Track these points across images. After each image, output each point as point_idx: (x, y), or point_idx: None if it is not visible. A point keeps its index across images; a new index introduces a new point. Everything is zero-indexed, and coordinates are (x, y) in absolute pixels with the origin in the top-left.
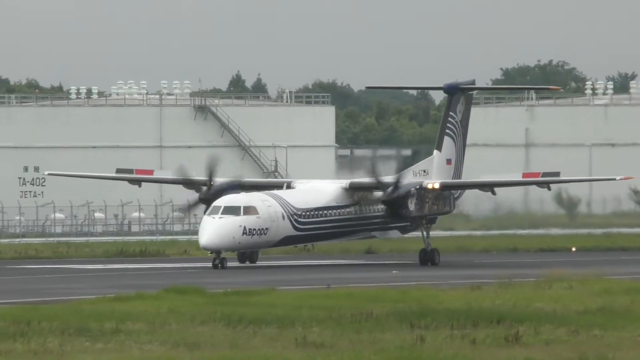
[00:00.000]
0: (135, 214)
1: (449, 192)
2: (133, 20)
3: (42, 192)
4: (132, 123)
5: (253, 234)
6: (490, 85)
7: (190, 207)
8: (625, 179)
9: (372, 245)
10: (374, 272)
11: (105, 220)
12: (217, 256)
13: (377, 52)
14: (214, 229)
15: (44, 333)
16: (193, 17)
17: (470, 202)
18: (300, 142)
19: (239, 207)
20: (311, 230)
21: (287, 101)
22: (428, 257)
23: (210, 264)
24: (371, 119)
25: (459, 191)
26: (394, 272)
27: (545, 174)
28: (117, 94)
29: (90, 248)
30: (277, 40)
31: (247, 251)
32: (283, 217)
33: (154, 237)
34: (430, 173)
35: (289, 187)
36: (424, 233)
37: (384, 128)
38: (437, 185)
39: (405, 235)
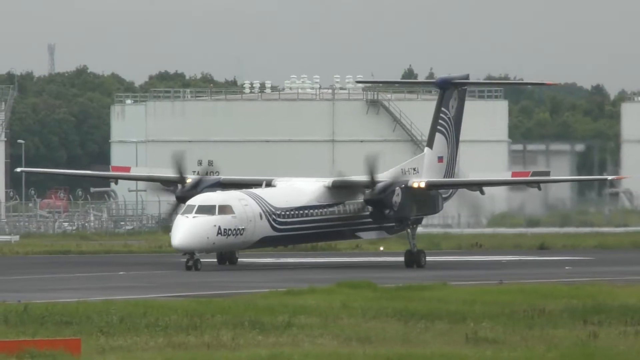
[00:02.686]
0: None
1: (436, 191)
2: (305, 15)
3: None
4: (305, 117)
5: (229, 234)
6: (482, 81)
7: (172, 210)
8: (618, 178)
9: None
10: (547, 268)
11: None
12: (191, 257)
13: (553, 47)
14: (187, 229)
15: (217, 326)
16: (364, 11)
17: None
18: (472, 137)
19: (213, 206)
20: (291, 230)
21: None
22: (414, 259)
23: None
24: (545, 114)
25: (450, 191)
26: (567, 268)
27: (535, 173)
28: (290, 88)
29: None
30: (448, 34)
31: (225, 252)
32: (261, 216)
33: None
34: (421, 171)
35: (269, 185)
36: (410, 234)
37: (558, 123)
38: (422, 184)
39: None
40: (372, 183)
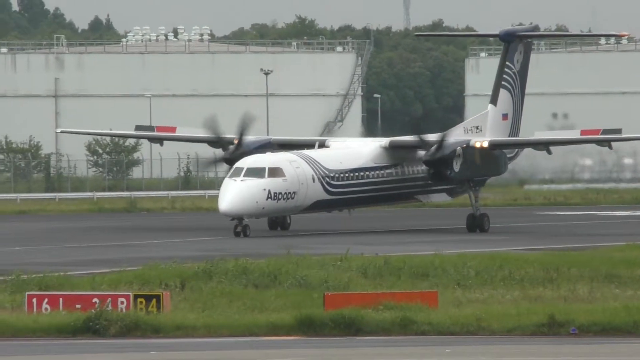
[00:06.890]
0: None
1: (500, 151)
2: None
3: None
4: None
5: (279, 199)
6: (551, 32)
7: (213, 163)
8: None
9: None
10: None
11: (634, 166)
12: (239, 223)
13: None
14: (235, 193)
15: (573, 279)
16: None
17: None
18: None
19: (263, 169)
20: (346, 194)
21: None
22: (477, 223)
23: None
24: None
25: (516, 150)
26: None
27: (605, 131)
28: None
29: (619, 194)
30: None
31: (277, 217)
32: (313, 179)
33: None
34: (484, 130)
35: (322, 146)
36: (472, 196)
37: None
38: (485, 144)
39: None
40: (429, 144)
